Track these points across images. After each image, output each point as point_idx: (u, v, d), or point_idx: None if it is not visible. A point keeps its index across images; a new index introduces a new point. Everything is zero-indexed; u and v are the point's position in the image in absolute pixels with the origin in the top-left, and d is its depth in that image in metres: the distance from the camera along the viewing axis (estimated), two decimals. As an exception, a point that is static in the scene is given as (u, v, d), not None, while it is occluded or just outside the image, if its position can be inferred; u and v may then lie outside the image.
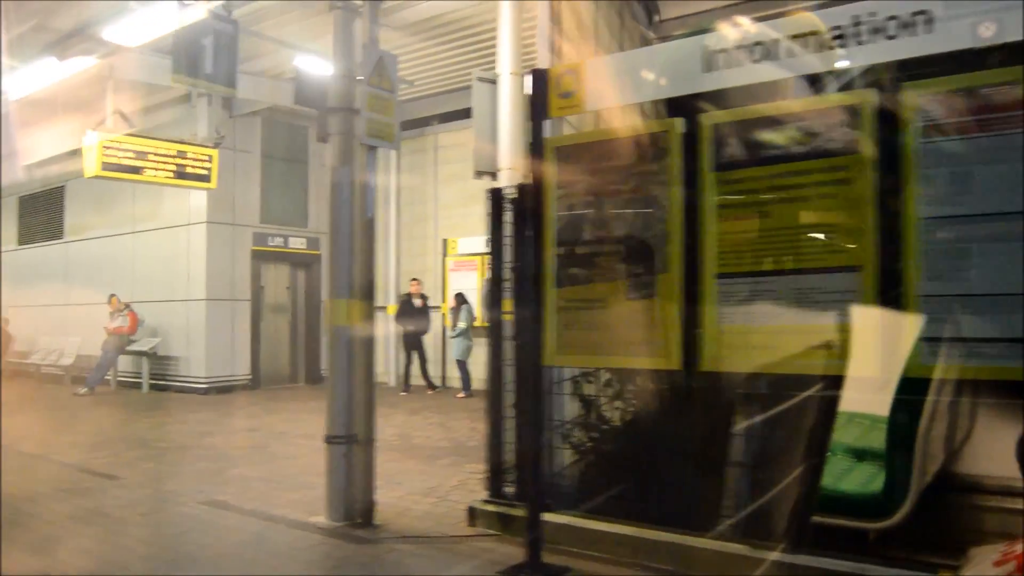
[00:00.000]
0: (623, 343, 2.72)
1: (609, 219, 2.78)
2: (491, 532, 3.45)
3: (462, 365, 8.52)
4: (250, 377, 9.37)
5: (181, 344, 9.26)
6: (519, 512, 3.47)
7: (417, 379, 8.95)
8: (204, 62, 4.51)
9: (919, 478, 2.90)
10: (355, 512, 3.63)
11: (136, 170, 7.19)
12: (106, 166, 7.05)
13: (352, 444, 3.65)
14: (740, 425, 3.42)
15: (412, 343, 8.79)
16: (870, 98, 2.29)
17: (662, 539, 3.03)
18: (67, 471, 4.90)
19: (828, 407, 3.13)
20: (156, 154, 7.31)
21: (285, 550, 3.28)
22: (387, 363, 9.70)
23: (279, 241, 9.67)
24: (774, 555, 2.80)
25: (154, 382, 9.36)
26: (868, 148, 2.28)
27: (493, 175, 4.46)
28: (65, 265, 11.33)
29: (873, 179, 2.26)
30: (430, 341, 9.09)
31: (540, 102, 2.94)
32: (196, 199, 8.96)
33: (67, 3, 6.23)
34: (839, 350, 2.31)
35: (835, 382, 2.69)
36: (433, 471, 4.88)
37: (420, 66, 8.09)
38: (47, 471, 4.95)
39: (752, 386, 3.32)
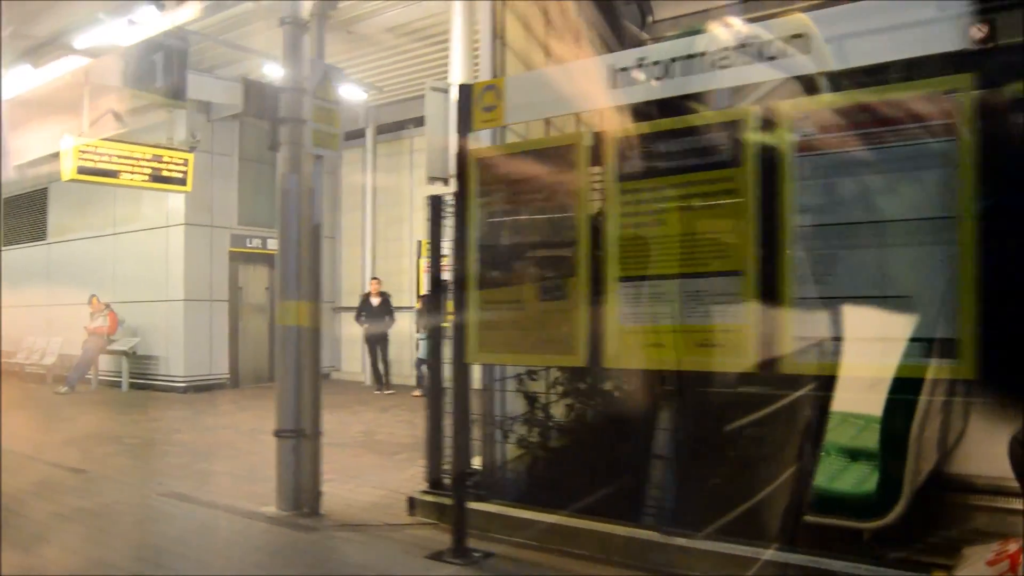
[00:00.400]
0: (537, 342, 2.91)
1: (525, 226, 2.98)
2: (428, 521, 3.64)
3: (425, 364, 8.73)
4: (228, 376, 9.55)
5: (160, 344, 9.43)
6: (435, 498, 3.68)
7: (401, 379, 9.16)
8: (155, 77, 4.70)
9: (912, 478, 2.94)
10: (303, 502, 3.82)
11: (112, 174, 7.37)
12: (82, 170, 7.23)
13: (300, 438, 3.84)
14: (663, 420, 3.62)
15: (374, 341, 8.97)
16: (752, 114, 2.49)
17: (581, 526, 3.23)
18: (37, 465, 5.08)
19: (734, 401, 3.34)
20: (132, 158, 7.48)
21: (230, 536, 3.47)
22: (363, 362, 9.88)
23: (257, 243, 9.85)
24: (683, 541, 2.99)
25: (134, 381, 9.53)
26: (750, 161, 2.47)
27: (445, 180, 4.66)
28: (48, 266, 11.50)
29: (754, 190, 2.46)
30: (407, 341, 9.28)
31: (464, 115, 3.14)
32: (175, 202, 9.13)
33: (43, 10, 6.40)
34: (724, 347, 2.50)
35: (728, 378, 2.89)
36: (390, 465, 5.07)
37: (392, 72, 8.28)
38: (16, 465, 5.12)
39: (673, 382, 3.52)
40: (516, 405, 4.08)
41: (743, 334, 2.45)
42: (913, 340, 2.21)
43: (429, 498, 3.71)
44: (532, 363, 3.44)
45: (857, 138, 2.32)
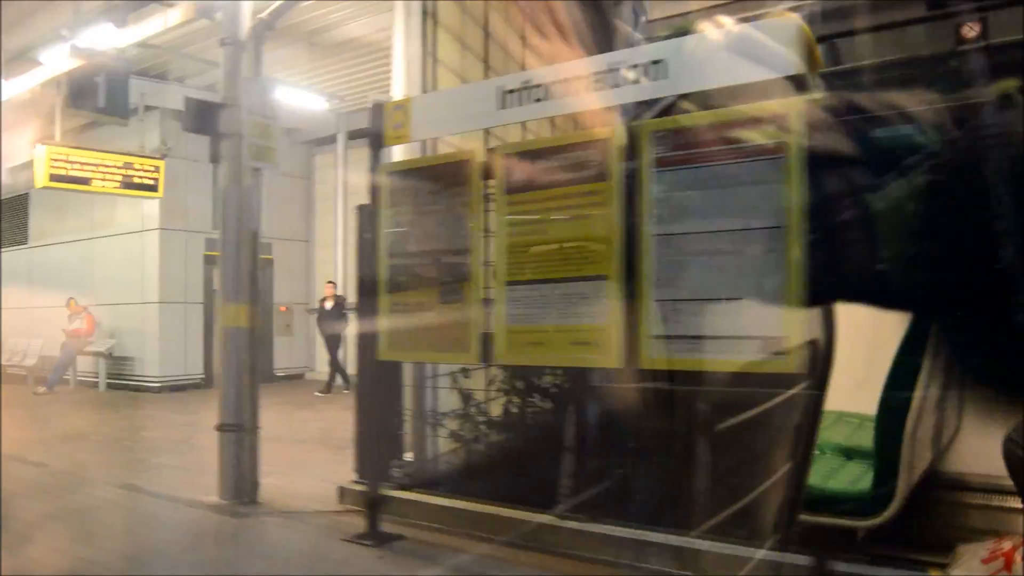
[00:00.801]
0: (438, 341, 3.18)
1: (428, 234, 3.25)
2: (354, 508, 3.90)
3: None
4: (203, 376, 9.81)
5: (136, 345, 9.69)
6: (391, 493, 3.94)
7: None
8: (97, 97, 4.95)
9: (907, 476, 2.94)
10: (243, 491, 4.08)
11: (84, 181, 7.62)
12: (54, 177, 7.48)
13: (240, 432, 4.10)
14: (570, 414, 3.89)
15: (330, 343, 9.24)
16: (618, 133, 2.76)
17: (485, 511, 3.49)
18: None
19: (636, 395, 3.60)
20: (103, 165, 7.73)
21: (168, 522, 3.74)
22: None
23: (231, 246, 10.09)
24: (574, 524, 3.26)
25: (111, 381, 9.79)
26: (615, 175, 2.74)
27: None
28: (29, 269, 11.75)
29: (619, 202, 2.73)
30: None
31: (377, 132, 3.41)
32: (150, 207, 9.39)
33: (13, 24, 6.66)
34: (593, 345, 2.77)
35: (608, 373, 3.16)
36: (338, 459, 5.31)
37: (354, 81, 8.55)
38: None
39: (586, 379, 3.79)
40: (450, 401, 4.35)
41: (608, 332, 2.72)
42: (749, 338, 2.48)
43: (356, 487, 3.98)
44: (433, 360, 3.71)
45: (704, 155, 2.59)
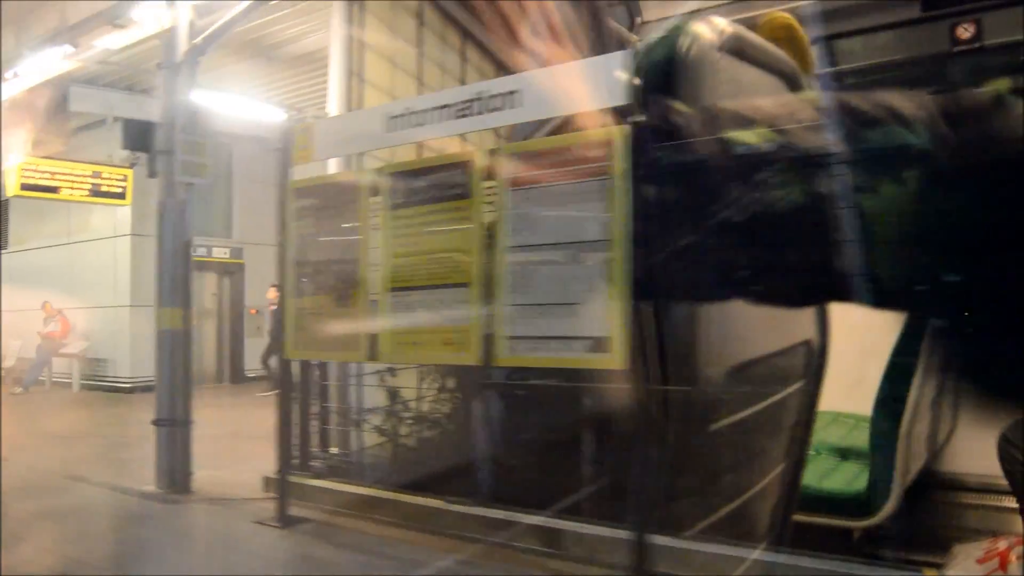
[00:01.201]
0: (334, 341, 3.52)
1: (326, 245, 3.59)
2: (275, 496, 4.24)
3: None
4: (174, 377, 10.14)
5: (109, 347, 10.03)
6: (294, 479, 4.28)
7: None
8: (36, 122, 5.33)
9: (902, 476, 2.95)
10: (176, 481, 4.42)
11: (53, 189, 7.97)
12: (25, 186, 7.84)
13: (174, 426, 4.45)
14: (477, 409, 4.24)
15: (272, 346, 9.56)
16: (479, 157, 3.10)
17: (385, 497, 3.84)
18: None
19: (528, 391, 3.95)
20: (72, 175, 8.08)
21: (103, 508, 4.08)
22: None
23: (203, 251, 10.44)
24: (460, 508, 3.59)
25: (85, 382, 10.13)
26: (477, 194, 3.08)
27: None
28: (9, 274, 12.08)
29: (479, 217, 3.07)
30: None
31: (286, 151, 3.75)
32: (123, 213, 9.73)
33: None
34: (458, 344, 3.11)
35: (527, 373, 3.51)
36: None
37: (310, 93, 8.88)
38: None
39: (487, 378, 4.13)
40: (377, 398, 4.70)
41: (470, 333, 3.06)
42: (581, 338, 2.83)
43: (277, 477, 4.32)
44: (330, 359, 4.05)
45: (547, 176, 2.93)
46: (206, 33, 4.54)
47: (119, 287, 9.90)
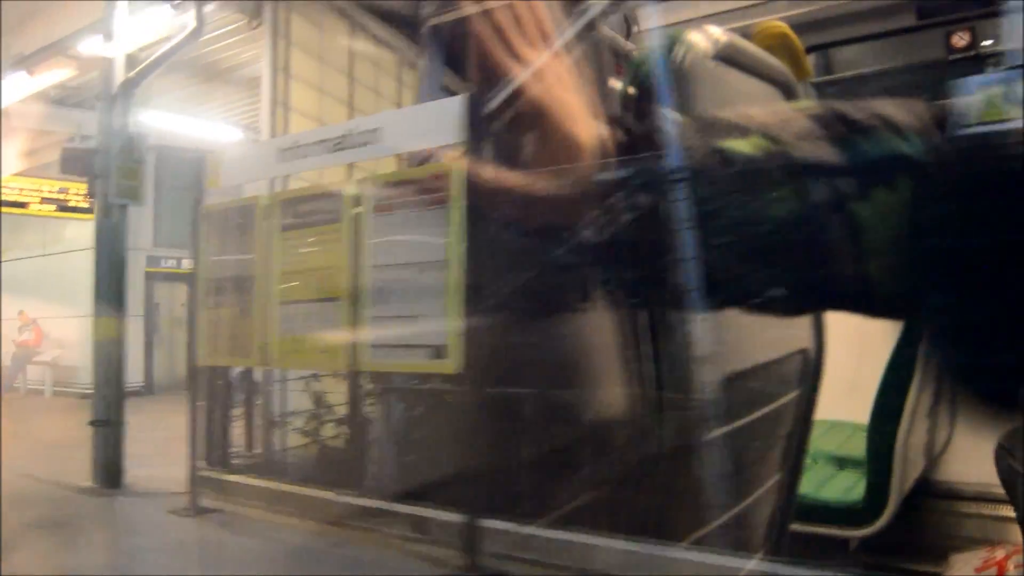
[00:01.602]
0: (237, 348, 3.95)
1: (229, 262, 4.02)
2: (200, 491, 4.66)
3: None
4: (143, 384, 10.58)
5: (81, 355, 10.46)
6: (210, 474, 4.70)
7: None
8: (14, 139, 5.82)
9: (899, 485, 2.95)
10: (109, 476, 4.84)
11: (22, 204, 8.42)
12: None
13: (108, 426, 4.88)
14: (380, 411, 4.66)
15: None
16: (350, 187, 3.53)
17: (288, 490, 4.25)
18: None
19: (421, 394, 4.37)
20: (39, 191, 8.53)
21: (36, 500, 4.50)
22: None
23: (172, 263, 10.89)
24: (348, 499, 4.00)
25: (58, 389, 10.56)
26: (346, 219, 3.50)
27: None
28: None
29: (351, 239, 3.49)
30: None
31: (202, 176, 4.18)
32: (92, 227, 10.17)
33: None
34: (331, 352, 3.53)
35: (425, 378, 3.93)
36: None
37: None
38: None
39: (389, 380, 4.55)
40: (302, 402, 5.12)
41: (342, 343, 3.48)
42: (424, 346, 3.24)
43: (201, 473, 4.74)
44: (232, 364, 4.48)
45: (400, 204, 3.35)
46: (139, 68, 4.98)
47: (89, 297, 10.32)
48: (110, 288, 4.88)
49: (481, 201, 3.15)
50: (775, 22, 2.81)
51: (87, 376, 10.45)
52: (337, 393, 5.13)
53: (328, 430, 4.94)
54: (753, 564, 2.08)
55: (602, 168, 1.18)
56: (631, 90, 1.96)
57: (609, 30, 5.78)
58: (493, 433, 3.49)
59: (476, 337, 3.19)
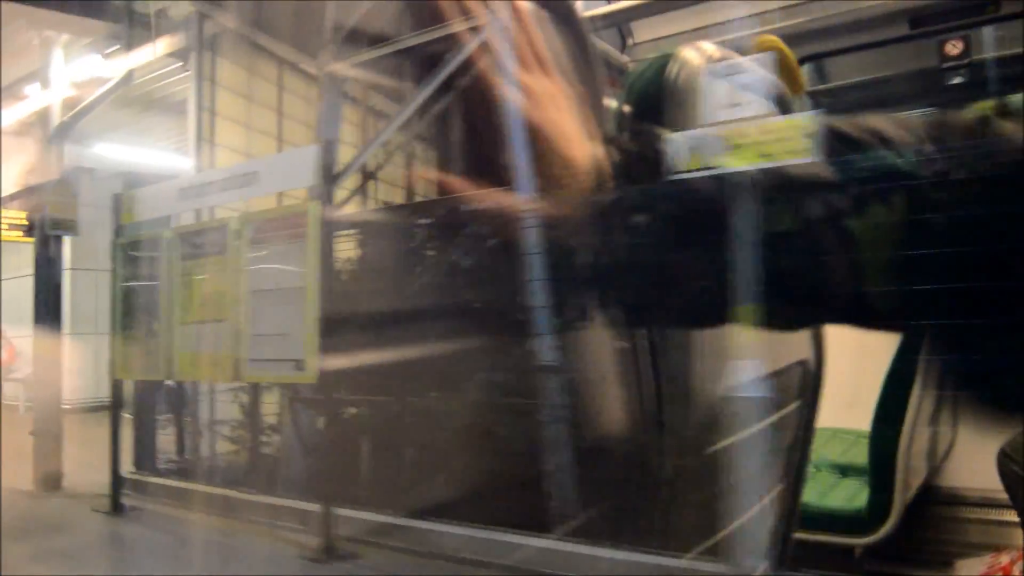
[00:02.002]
0: (146, 364, 4.48)
1: (141, 288, 4.57)
2: (125, 492, 5.19)
3: None
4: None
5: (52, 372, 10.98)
6: (134, 476, 5.24)
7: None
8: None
9: (903, 492, 2.95)
10: (48, 480, 5.37)
11: (-10, 232, 8.97)
12: (-30, 229, 8.84)
13: (47, 436, 5.41)
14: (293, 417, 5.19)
15: None
16: (233, 219, 4.07)
17: (200, 490, 4.78)
18: None
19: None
20: (7, 218, 9.06)
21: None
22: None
23: (140, 282, 11.42)
24: (247, 496, 4.53)
25: (31, 404, 11.08)
26: (232, 251, 4.04)
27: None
28: (-31, 306, 13.07)
29: (234, 267, 4.03)
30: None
31: (116, 213, 4.73)
32: (65, 250, 10.71)
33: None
34: (221, 366, 4.06)
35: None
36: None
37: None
38: None
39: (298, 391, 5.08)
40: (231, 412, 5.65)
41: (226, 357, 4.02)
42: (289, 359, 3.78)
43: (128, 476, 5.27)
44: (140, 378, 5.02)
45: (269, 238, 3.89)
46: (73, 112, 5.53)
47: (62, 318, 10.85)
48: (48, 311, 5.41)
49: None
50: (768, 36, 2.80)
51: (88, 393, 11.07)
52: (263, 403, 5.68)
53: (249, 437, 5.47)
54: (759, 574, 2.02)
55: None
56: (626, 108, 1.98)
57: (604, 43, 5.48)
58: (349, 433, 4.04)
59: (333, 350, 3.74)
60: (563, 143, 1.16)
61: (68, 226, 5.42)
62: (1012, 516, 2.68)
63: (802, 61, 3.79)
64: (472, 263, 3.60)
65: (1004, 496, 2.41)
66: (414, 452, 3.98)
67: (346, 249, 3.71)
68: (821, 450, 3.43)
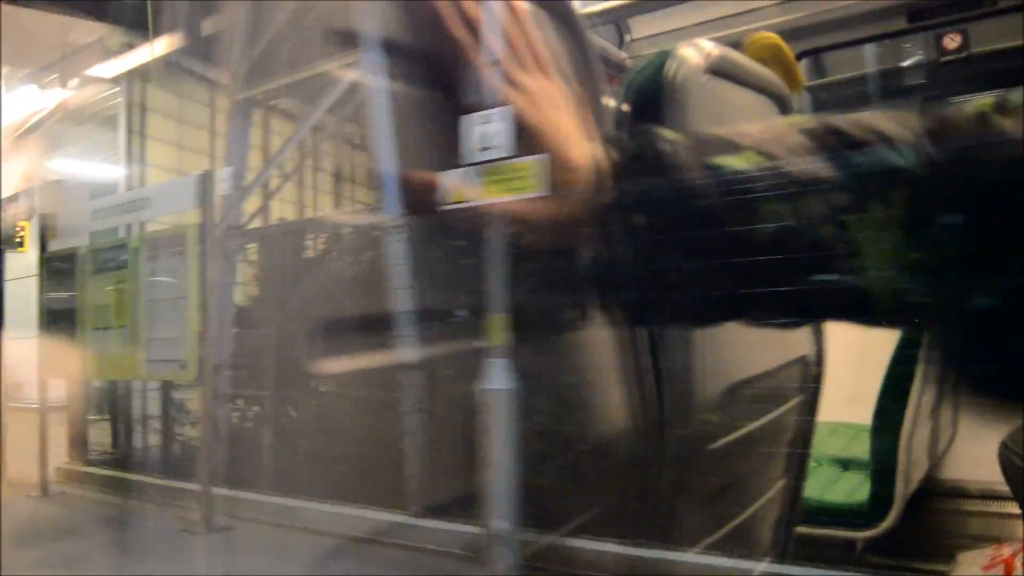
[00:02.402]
0: (68, 365, 5.07)
1: (61, 298, 5.15)
2: (59, 480, 5.78)
3: None
4: (82, 397, 11.72)
5: (25, 372, 11.60)
6: (67, 466, 5.83)
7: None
8: None
9: (904, 485, 2.95)
10: (-6, 473, 5.96)
11: (-41, 243, 9.59)
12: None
13: (-5, 433, 6.00)
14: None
15: None
16: (132, 240, 4.65)
17: (122, 476, 5.36)
18: None
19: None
20: (-26, 230, 9.69)
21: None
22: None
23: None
24: (178, 483, 5.11)
25: (11, 405, 11.69)
26: (132, 265, 4.62)
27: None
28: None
29: (137, 279, 4.61)
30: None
31: (43, 228, 5.31)
32: (30, 259, 11.32)
33: None
34: (126, 368, 4.65)
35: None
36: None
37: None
38: None
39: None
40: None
41: (130, 359, 4.60)
42: (173, 361, 4.36)
43: (63, 466, 5.87)
44: (62, 378, 5.61)
45: (161, 254, 4.47)
46: (12, 138, 6.11)
47: (32, 320, 11.47)
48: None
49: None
50: (766, 33, 2.75)
51: (30, 391, 11.68)
52: (191, 400, 6.26)
53: (174, 429, 6.05)
54: (762, 568, 1.94)
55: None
56: (625, 107, 1.92)
57: (601, 40, 5.51)
58: (228, 424, 4.62)
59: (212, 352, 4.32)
60: (562, 143, 1.08)
61: (17, 243, 6.00)
62: (1014, 508, 2.68)
63: (800, 56, 3.68)
64: (339, 274, 4.17)
65: (1006, 489, 2.41)
66: (280, 440, 4.58)
67: (231, 262, 4.28)
68: (822, 445, 3.43)
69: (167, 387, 5.68)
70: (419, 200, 1.19)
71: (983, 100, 0.85)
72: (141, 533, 4.25)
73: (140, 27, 6.22)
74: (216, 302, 4.21)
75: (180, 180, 4.44)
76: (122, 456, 5.96)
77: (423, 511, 3.18)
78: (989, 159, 0.86)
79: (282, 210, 5.54)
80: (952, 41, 3.75)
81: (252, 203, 5.27)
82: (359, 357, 4.69)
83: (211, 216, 4.26)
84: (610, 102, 2.02)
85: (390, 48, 1.33)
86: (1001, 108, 0.85)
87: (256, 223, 5.28)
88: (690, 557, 1.86)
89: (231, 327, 4.32)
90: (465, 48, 1.09)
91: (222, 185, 4.78)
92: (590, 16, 4.80)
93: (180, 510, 4.62)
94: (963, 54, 3.72)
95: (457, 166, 1.22)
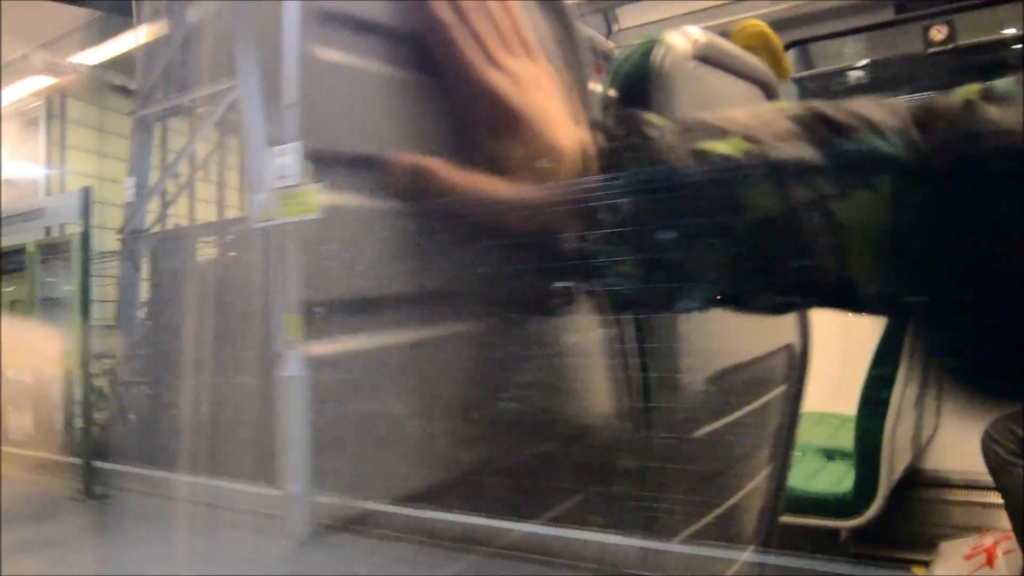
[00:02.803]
0: None
1: None
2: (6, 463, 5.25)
3: None
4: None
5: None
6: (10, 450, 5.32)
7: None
8: None
9: (888, 475, 2.92)
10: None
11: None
12: None
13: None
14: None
15: None
16: (29, 246, 4.29)
17: (70, 461, 4.87)
18: None
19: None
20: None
21: None
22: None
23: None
24: (130, 469, 4.65)
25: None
26: (29, 268, 4.24)
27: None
28: None
29: (32, 284, 4.23)
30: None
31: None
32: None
33: None
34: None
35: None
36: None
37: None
38: None
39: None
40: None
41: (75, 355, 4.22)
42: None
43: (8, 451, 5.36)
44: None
45: (51, 258, 4.12)
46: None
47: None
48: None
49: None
50: (754, 21, 2.73)
51: None
52: (102, 386, 5.78)
53: (103, 414, 5.58)
54: (745, 556, 2.36)
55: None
56: (612, 93, 1.87)
57: (589, 29, 5.11)
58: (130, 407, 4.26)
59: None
60: (548, 128, 1.07)
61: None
62: (996, 498, 2.67)
63: (788, 47, 3.73)
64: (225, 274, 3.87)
65: (988, 478, 2.43)
66: (159, 419, 4.22)
67: (135, 263, 3.96)
68: (807, 434, 3.41)
69: (86, 377, 5.23)
70: (407, 186, 1.09)
71: (970, 88, 0.82)
72: (33, 499, 3.82)
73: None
74: (121, 299, 3.87)
75: (68, 193, 4.11)
76: (68, 440, 5.46)
77: (247, 478, 3.00)
78: (976, 147, 0.83)
79: (208, 214, 5.19)
80: (939, 33, 3.79)
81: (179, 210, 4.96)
82: (228, 348, 4.37)
83: (91, 224, 3.93)
84: (597, 89, 1.93)
85: (374, 30, 1.18)
86: (988, 96, 0.82)
87: (157, 228, 4.95)
88: (672, 546, 1.70)
89: (134, 321, 3.97)
90: (450, 28, 1.04)
91: (126, 193, 4.48)
92: (578, 5, 4.67)
93: (73, 482, 4.19)
94: (949, 45, 3.72)
95: (443, 148, 1.14)
